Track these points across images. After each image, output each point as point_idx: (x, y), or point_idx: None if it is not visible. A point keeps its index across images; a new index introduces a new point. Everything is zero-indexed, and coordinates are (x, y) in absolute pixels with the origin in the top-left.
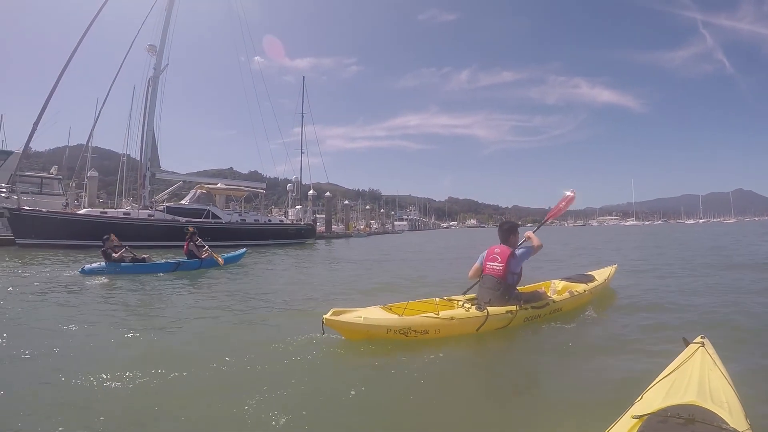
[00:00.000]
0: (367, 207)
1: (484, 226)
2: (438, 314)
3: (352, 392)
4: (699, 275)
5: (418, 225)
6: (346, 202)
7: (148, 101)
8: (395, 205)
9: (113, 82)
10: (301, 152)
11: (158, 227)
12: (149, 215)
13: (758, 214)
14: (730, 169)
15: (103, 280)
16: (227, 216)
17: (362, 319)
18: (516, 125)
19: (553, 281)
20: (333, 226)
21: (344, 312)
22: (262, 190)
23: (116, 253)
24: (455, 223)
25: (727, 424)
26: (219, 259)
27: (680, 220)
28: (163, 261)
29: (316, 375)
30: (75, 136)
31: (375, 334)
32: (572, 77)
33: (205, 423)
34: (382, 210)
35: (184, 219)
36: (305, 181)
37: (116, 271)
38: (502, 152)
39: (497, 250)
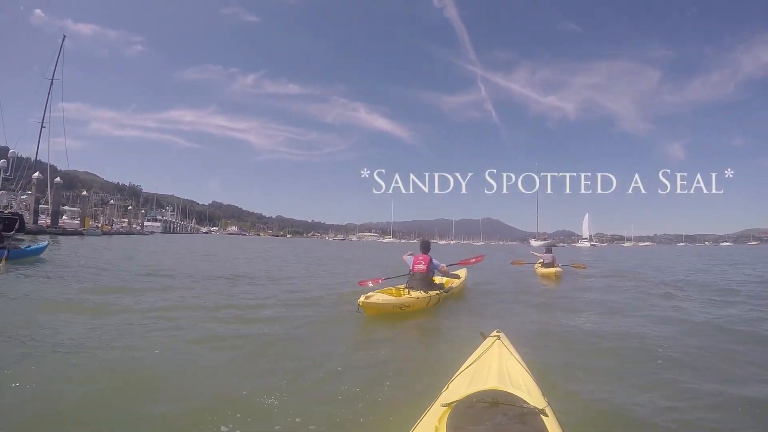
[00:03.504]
0: (111, 202)
1: (245, 234)
2: (411, 295)
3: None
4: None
5: (174, 228)
6: (84, 193)
7: None
8: (154, 203)
9: None
10: (42, 126)
11: None
12: None
13: (502, 239)
14: (482, 201)
15: None
16: None
17: (381, 299)
18: (292, 137)
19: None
20: (66, 220)
21: (371, 296)
22: None
23: None
24: (216, 228)
25: (528, 403)
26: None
27: (434, 240)
28: None
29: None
30: None
31: (386, 310)
32: (353, 101)
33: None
34: (130, 207)
35: None
36: (62, 167)
37: None
38: (275, 162)
39: (421, 257)
